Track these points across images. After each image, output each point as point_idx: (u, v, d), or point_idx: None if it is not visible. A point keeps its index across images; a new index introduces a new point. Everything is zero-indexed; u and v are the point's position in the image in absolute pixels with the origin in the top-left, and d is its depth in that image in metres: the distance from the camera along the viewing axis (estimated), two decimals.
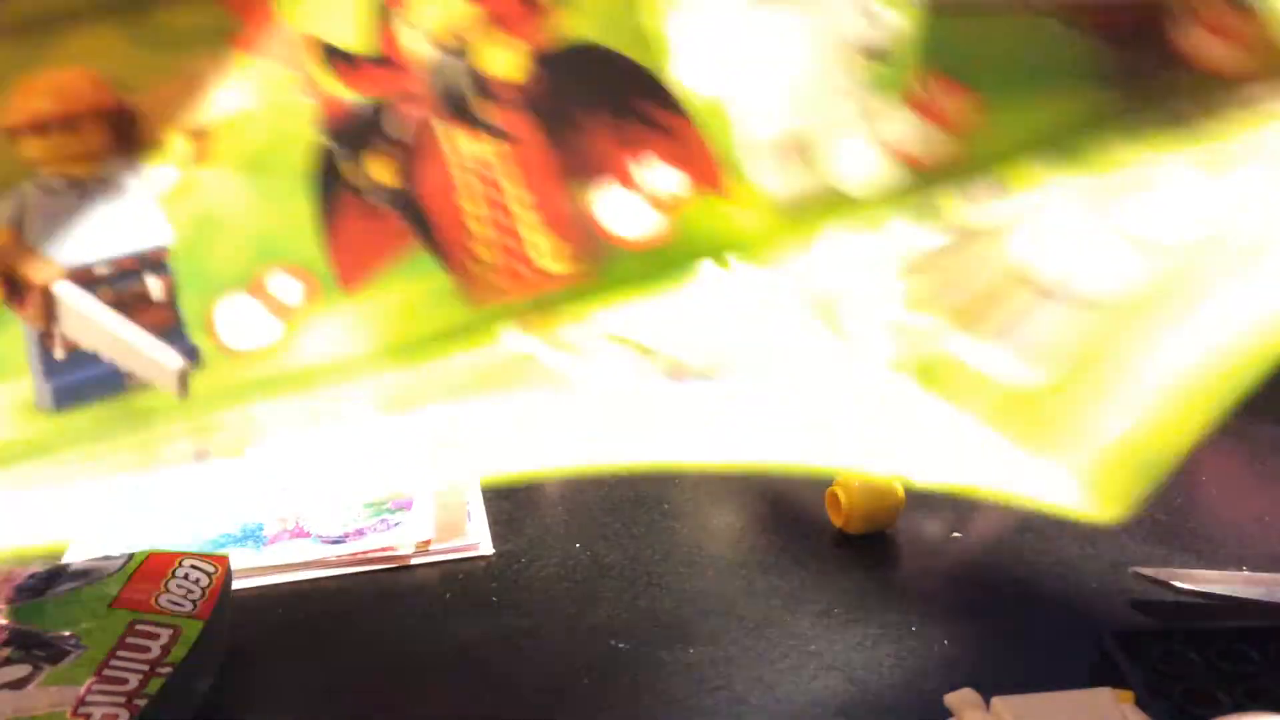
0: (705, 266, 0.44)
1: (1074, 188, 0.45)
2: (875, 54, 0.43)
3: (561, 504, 0.60)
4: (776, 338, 0.46)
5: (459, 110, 0.43)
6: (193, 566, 0.48)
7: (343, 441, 0.43)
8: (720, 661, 0.48)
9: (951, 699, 0.43)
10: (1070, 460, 0.43)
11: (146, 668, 0.42)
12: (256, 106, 0.42)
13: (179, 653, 0.43)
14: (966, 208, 0.44)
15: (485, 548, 0.56)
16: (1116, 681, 0.44)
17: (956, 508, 0.59)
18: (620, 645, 0.49)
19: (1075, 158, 0.45)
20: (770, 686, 0.47)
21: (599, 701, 0.46)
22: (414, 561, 0.55)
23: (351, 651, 0.49)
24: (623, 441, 0.45)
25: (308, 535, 0.56)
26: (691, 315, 0.44)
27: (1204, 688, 0.44)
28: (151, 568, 0.47)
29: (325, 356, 0.43)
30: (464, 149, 0.43)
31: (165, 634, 0.44)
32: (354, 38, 0.43)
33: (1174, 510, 0.59)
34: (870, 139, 0.44)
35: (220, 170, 0.42)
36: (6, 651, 0.42)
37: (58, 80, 0.42)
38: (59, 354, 0.42)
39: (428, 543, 0.55)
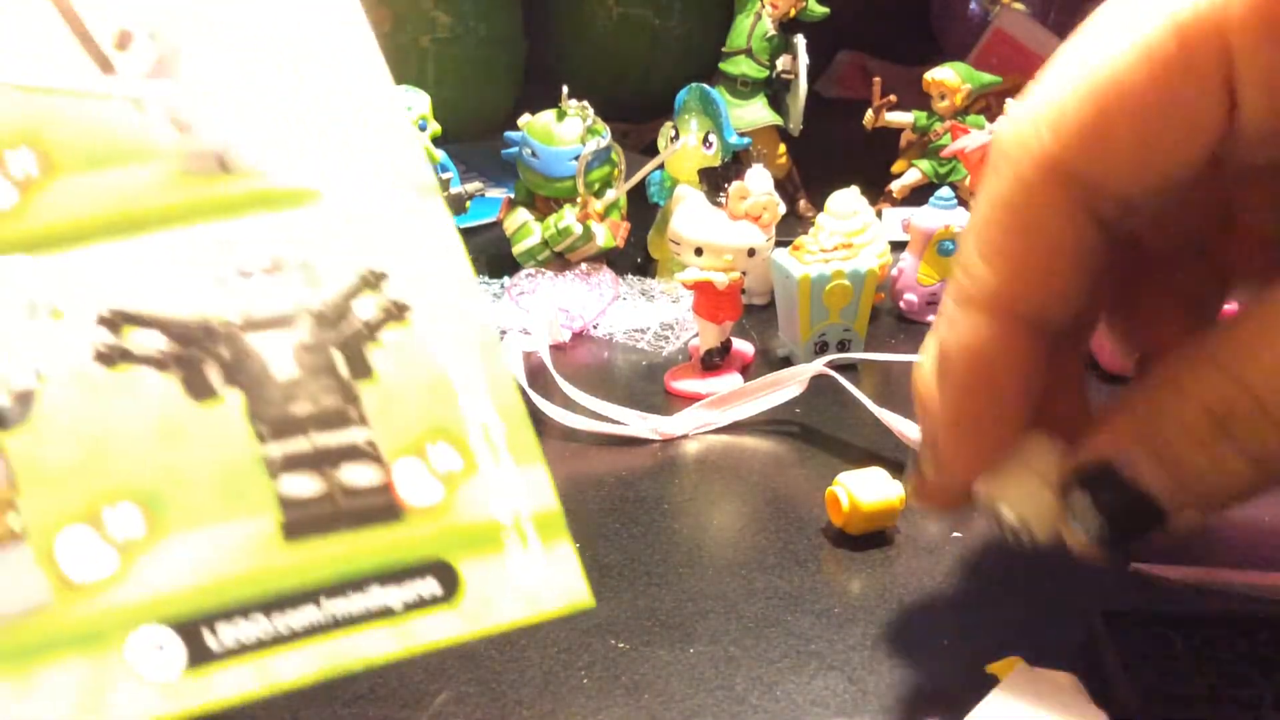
0: None
1: None
2: None
3: (561, 504, 0.60)
4: None
5: None
6: None
7: None
8: (720, 661, 0.48)
9: None
10: None
11: None
12: None
13: None
14: None
15: None
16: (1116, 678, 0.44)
17: None
18: (620, 645, 0.49)
19: None
20: (770, 686, 0.47)
21: (599, 701, 0.46)
22: None
23: None
24: None
25: None
26: None
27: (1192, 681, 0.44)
28: None
29: None
30: None
31: None
32: None
33: None
34: None
35: None
36: None
37: None
38: None
39: None
